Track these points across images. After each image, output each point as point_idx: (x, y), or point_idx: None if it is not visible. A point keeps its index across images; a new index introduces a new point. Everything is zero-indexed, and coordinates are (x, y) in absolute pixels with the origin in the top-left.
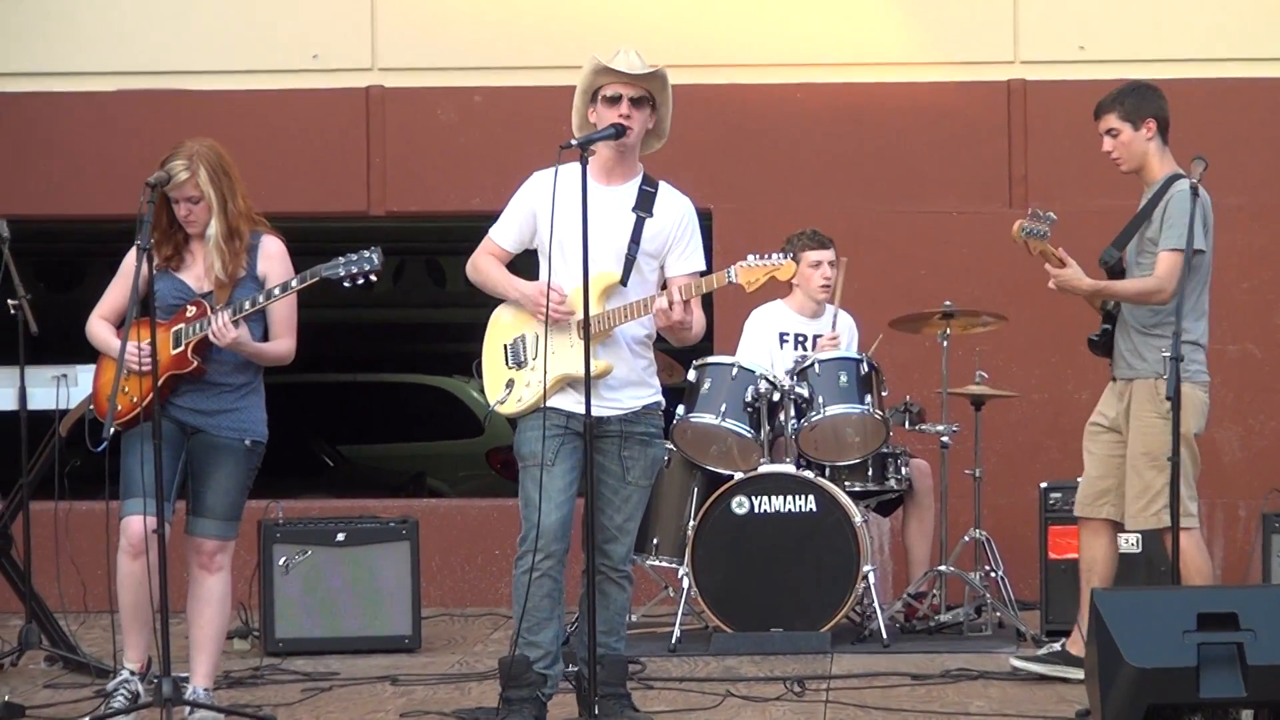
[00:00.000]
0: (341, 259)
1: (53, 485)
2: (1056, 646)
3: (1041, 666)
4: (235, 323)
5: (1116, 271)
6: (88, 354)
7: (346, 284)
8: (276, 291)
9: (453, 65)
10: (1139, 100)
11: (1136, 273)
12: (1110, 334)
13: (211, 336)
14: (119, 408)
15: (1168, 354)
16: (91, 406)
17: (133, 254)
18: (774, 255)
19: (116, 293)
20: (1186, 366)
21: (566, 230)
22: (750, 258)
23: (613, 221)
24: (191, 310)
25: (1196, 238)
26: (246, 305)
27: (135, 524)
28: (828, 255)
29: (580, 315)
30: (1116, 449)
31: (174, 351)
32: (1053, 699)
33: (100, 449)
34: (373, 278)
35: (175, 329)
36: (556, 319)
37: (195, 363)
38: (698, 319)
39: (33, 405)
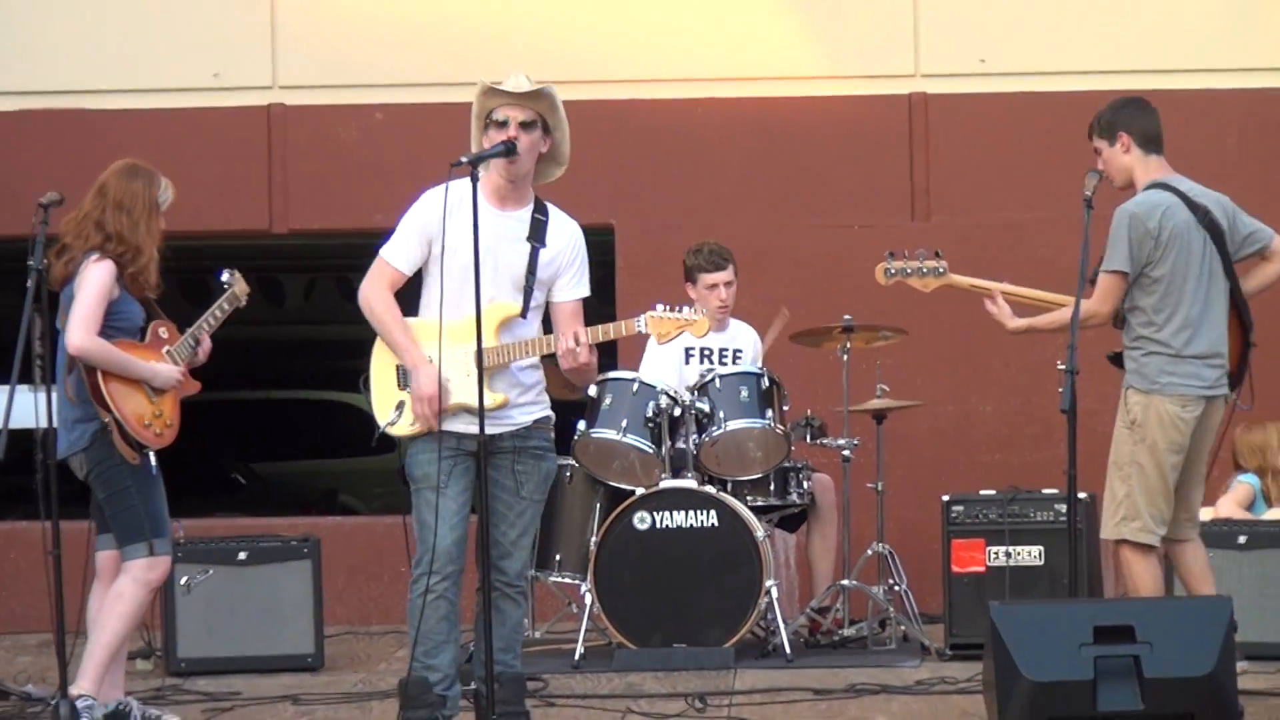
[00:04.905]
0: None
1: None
2: None
3: None
4: None
5: None
6: None
7: (241, 305)
8: (211, 322)
9: (354, 83)
10: (1112, 116)
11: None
12: None
13: (204, 356)
14: (160, 434)
15: (1135, 366)
16: (132, 429)
17: (103, 270)
18: (685, 309)
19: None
20: (1157, 378)
21: (461, 253)
22: (659, 307)
23: (508, 249)
24: (164, 331)
25: (1120, 258)
26: (203, 329)
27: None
28: (723, 276)
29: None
30: None
31: None
32: (955, 713)
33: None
34: (243, 301)
35: (166, 350)
36: (430, 425)
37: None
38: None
39: None
